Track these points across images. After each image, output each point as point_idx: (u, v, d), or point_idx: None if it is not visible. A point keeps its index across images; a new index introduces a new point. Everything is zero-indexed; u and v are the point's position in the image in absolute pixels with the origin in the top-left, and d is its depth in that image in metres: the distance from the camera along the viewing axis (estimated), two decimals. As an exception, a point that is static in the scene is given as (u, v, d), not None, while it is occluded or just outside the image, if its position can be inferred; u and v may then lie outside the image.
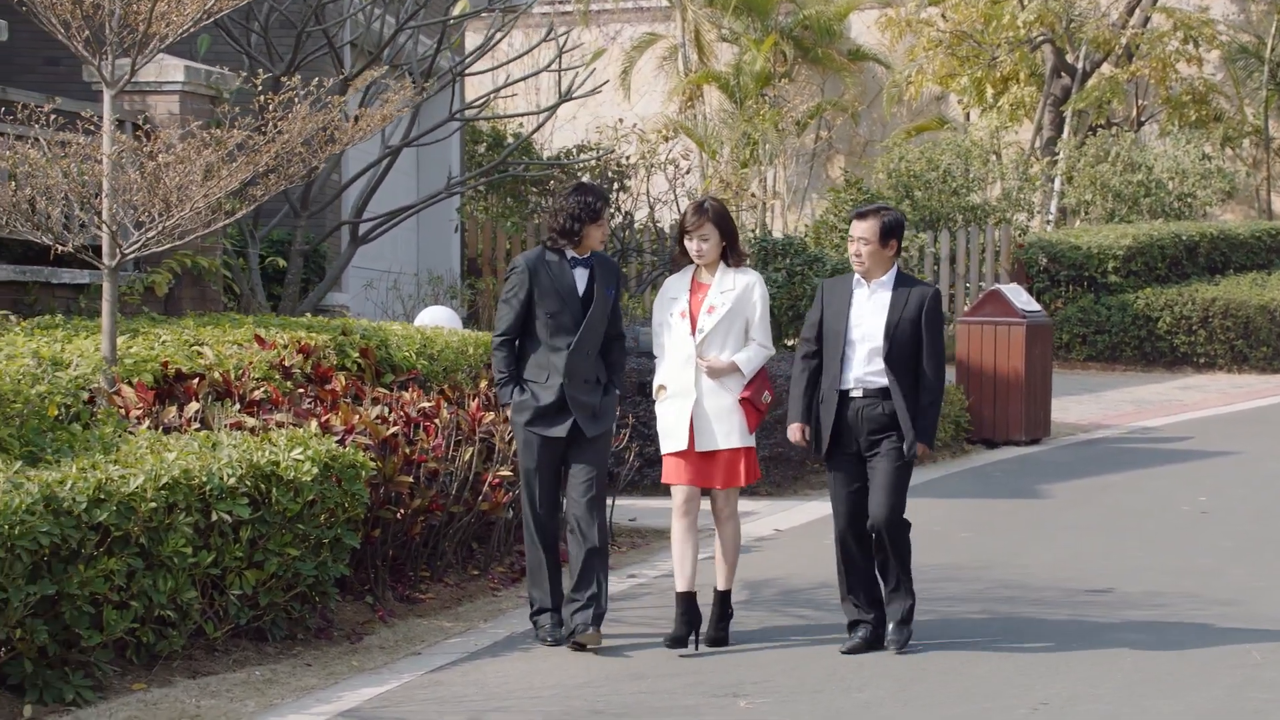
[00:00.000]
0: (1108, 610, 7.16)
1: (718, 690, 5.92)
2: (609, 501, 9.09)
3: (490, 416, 7.96)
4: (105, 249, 6.82)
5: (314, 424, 6.98)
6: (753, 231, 17.57)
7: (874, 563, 6.49)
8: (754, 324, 6.46)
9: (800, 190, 29.07)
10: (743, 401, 6.42)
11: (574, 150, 19.57)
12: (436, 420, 7.70)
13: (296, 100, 6.76)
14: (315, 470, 6.42)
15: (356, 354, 8.20)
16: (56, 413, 6.25)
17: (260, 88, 7.41)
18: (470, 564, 8.07)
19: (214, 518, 6.15)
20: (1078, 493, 10.70)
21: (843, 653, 6.35)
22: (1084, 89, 23.62)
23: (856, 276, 6.47)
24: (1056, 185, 22.86)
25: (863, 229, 6.44)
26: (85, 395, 6.47)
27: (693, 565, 6.49)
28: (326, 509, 6.55)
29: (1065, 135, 23.75)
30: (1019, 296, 13.44)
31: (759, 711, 5.67)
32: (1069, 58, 24.22)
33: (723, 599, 6.58)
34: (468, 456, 7.66)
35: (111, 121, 6.75)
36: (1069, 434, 13.69)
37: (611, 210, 17.12)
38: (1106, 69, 24.02)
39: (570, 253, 6.48)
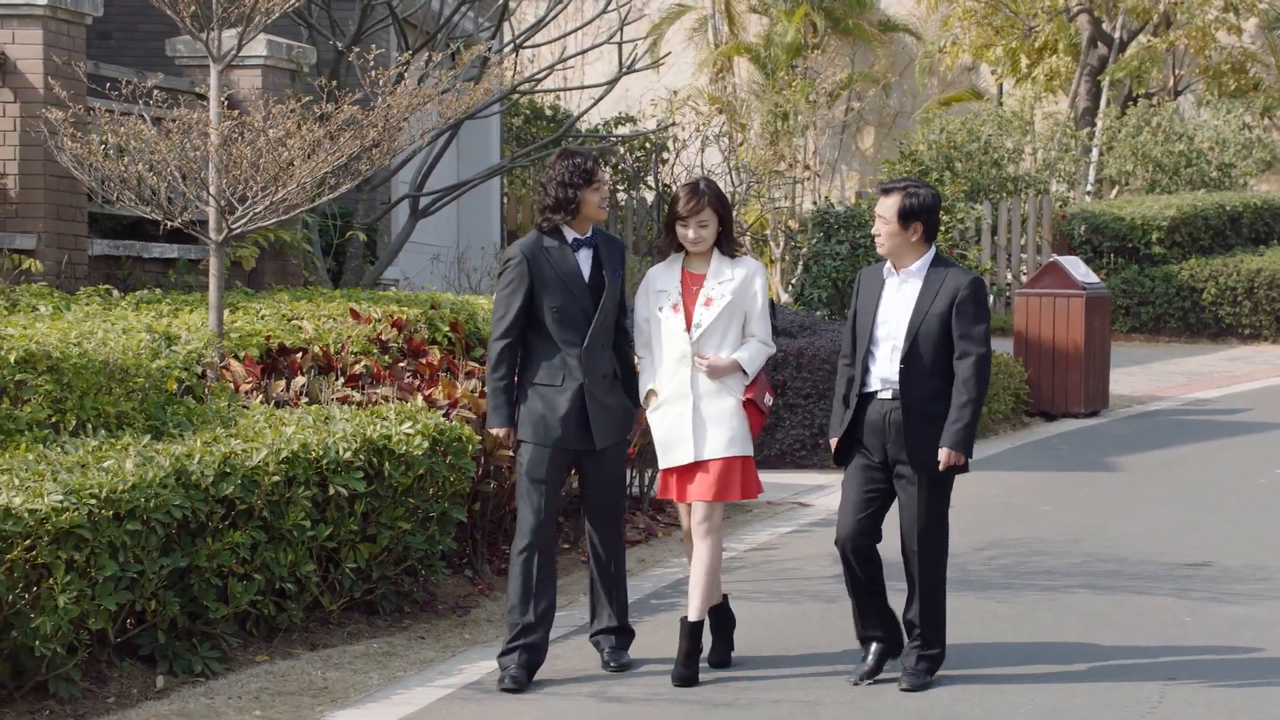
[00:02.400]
0: (1212, 585, 7.17)
1: (838, 671, 5.92)
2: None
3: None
4: (212, 223, 6.84)
5: (419, 398, 7.01)
6: (813, 204, 17.54)
7: (879, 579, 5.71)
8: (754, 318, 5.72)
9: (831, 162, 29.03)
10: (746, 404, 5.69)
11: (612, 122, 19.54)
12: (531, 394, 7.72)
13: (405, 75, 6.75)
14: (425, 444, 6.45)
15: (447, 328, 8.22)
16: (174, 387, 6.29)
17: (372, 64, 7.41)
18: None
19: (331, 491, 6.19)
20: (1148, 465, 10.71)
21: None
22: (1122, 58, 23.53)
23: (888, 264, 5.64)
24: (1094, 156, 22.79)
25: (882, 207, 5.56)
26: (199, 370, 6.50)
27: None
28: (435, 482, 6.59)
29: (1102, 105, 23.67)
30: (1078, 268, 13.43)
31: (885, 690, 5.68)
32: (1106, 26, 24.12)
33: (693, 632, 5.71)
34: (561, 430, 7.69)
35: (220, 97, 6.75)
36: (1125, 406, 13.70)
37: (664, 184, 17.10)
38: (1143, 38, 23.92)
39: (570, 234, 5.68)
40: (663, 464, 5.75)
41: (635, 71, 12.21)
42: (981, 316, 5.51)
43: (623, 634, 5.95)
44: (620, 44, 12.45)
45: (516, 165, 12.75)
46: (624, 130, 18.99)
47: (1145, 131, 21.64)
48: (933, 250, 5.59)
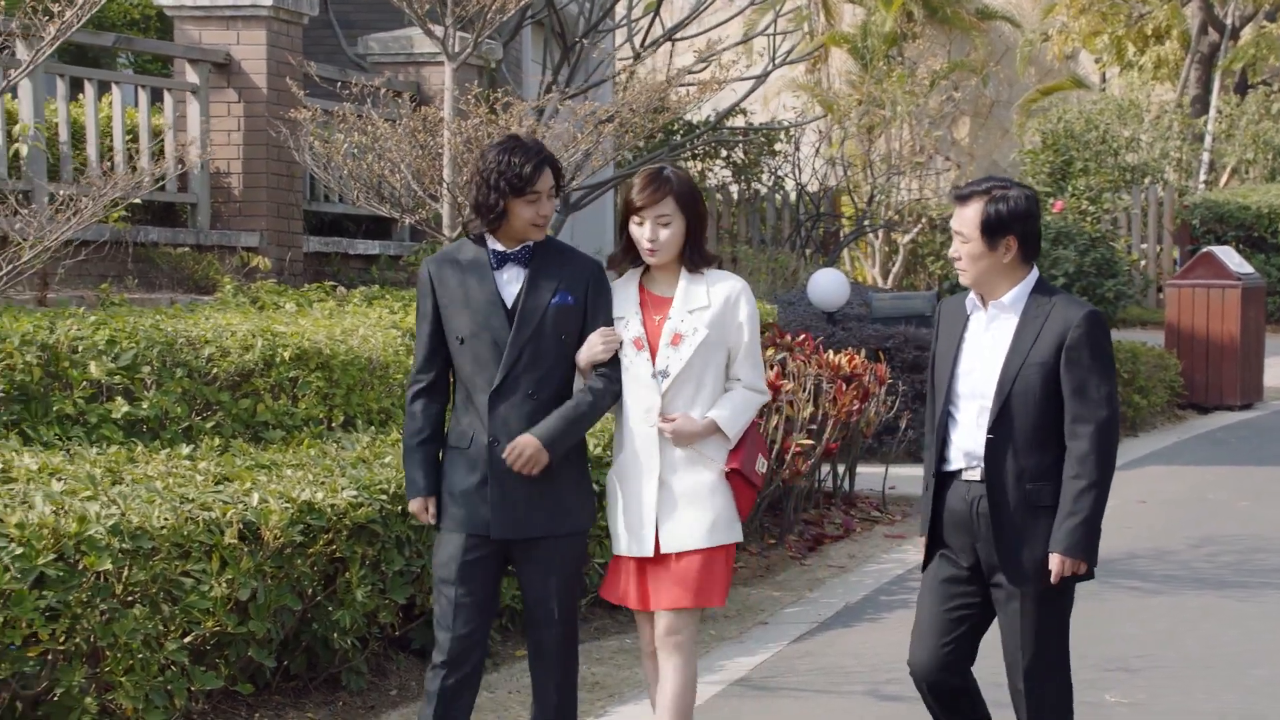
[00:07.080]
0: None
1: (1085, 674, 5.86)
2: (883, 470, 8.94)
3: (789, 385, 7.97)
4: (446, 219, 6.88)
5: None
6: (905, 197, 17.40)
7: (979, 708, 4.19)
8: (738, 356, 4.27)
9: (929, 153, 28.85)
10: (730, 475, 4.27)
11: (722, 114, 19.51)
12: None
13: (647, 70, 6.77)
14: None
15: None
16: (426, 383, 6.33)
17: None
18: (765, 534, 8.13)
19: (582, 487, 6.21)
20: (1330, 459, 10.58)
21: None
22: (1237, 45, 23.27)
23: (971, 296, 4.14)
24: (1207, 143, 22.54)
25: (959, 220, 4.07)
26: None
27: None
28: (674, 478, 6.59)
29: (1215, 93, 23.39)
30: (1231, 259, 13.30)
31: (1145, 695, 5.63)
32: (1218, 12, 23.83)
33: None
34: (773, 424, 7.69)
35: (454, 94, 6.78)
36: (1277, 398, 13.53)
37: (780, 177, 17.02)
38: (1257, 24, 23.63)
39: (496, 244, 4.17)
40: (615, 549, 4.34)
41: (791, 63, 12.19)
42: (1103, 366, 3.99)
43: None
44: (772, 35, 12.43)
45: (679, 156, 12.72)
46: (741, 122, 18.94)
47: (1268, 118, 21.39)
48: (1034, 275, 4.08)
